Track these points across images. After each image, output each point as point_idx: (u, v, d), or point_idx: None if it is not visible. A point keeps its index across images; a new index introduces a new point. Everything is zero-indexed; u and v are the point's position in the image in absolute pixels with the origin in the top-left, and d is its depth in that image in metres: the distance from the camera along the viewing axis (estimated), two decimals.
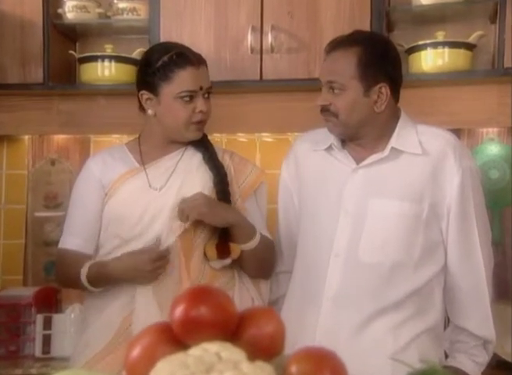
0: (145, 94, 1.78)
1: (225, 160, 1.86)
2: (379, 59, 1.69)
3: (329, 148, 1.79)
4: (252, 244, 1.76)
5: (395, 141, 1.70)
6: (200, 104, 1.75)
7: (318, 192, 1.79)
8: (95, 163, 1.86)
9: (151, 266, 1.68)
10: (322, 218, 1.76)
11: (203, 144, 1.85)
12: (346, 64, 1.67)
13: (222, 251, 1.78)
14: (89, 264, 1.74)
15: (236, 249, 1.77)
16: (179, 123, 1.76)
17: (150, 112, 1.78)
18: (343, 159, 1.75)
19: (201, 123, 1.78)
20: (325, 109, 1.71)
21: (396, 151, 1.70)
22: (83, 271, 1.73)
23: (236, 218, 1.77)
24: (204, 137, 1.86)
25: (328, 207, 1.74)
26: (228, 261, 1.79)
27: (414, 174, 1.68)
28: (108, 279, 1.73)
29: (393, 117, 1.74)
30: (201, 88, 1.74)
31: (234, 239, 1.77)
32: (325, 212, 1.75)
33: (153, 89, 1.76)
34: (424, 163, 1.68)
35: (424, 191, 1.67)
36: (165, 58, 1.74)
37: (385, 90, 1.67)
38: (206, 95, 1.77)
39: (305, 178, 1.84)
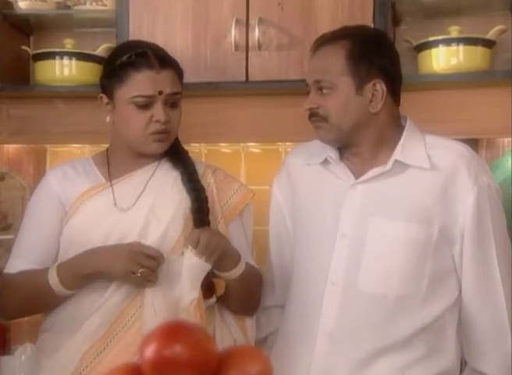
0: (104, 98, 1.83)
1: (207, 177, 1.88)
2: (372, 52, 1.73)
3: (325, 162, 1.81)
4: (236, 271, 1.78)
5: (399, 153, 1.72)
6: (158, 112, 1.77)
7: (312, 212, 1.81)
8: (54, 176, 1.88)
9: (134, 258, 1.66)
10: (318, 242, 1.78)
11: (181, 161, 1.88)
12: (335, 59, 1.71)
13: (206, 289, 1.79)
14: (55, 269, 1.73)
15: (221, 285, 1.79)
16: (133, 133, 1.79)
17: (108, 118, 1.82)
18: (340, 174, 1.78)
19: (162, 135, 1.80)
20: (313, 114, 1.74)
21: (400, 165, 1.72)
22: (52, 273, 1.72)
23: (226, 242, 1.78)
24: (184, 152, 1.89)
25: (324, 229, 1.77)
26: (213, 300, 1.82)
27: (421, 192, 1.70)
28: (85, 275, 1.72)
29: (394, 122, 1.77)
30: (160, 93, 1.77)
31: (216, 266, 1.77)
32: (321, 235, 1.77)
33: (108, 92, 1.81)
34: (433, 179, 1.70)
35: (433, 212, 1.69)
36: (124, 58, 1.79)
37: (380, 87, 1.71)
38: (170, 103, 1.79)
39: (299, 197, 1.87)
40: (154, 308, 1.71)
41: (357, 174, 1.76)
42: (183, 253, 1.74)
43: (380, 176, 1.73)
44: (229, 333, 1.86)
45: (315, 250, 1.78)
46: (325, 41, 1.75)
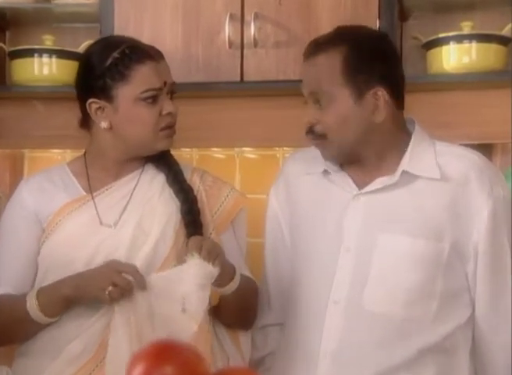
0: (95, 103, 1.79)
1: (195, 182, 1.90)
2: (371, 57, 1.73)
3: (326, 171, 1.82)
4: (232, 286, 1.78)
5: (407, 162, 1.73)
6: (166, 104, 1.79)
7: (313, 225, 1.82)
8: (29, 190, 1.87)
9: (107, 276, 1.65)
10: (319, 256, 1.79)
11: (165, 162, 1.89)
12: (329, 68, 1.71)
13: None
14: (34, 293, 1.73)
15: (215, 296, 1.80)
16: (145, 132, 1.79)
17: (103, 124, 1.79)
18: (342, 184, 1.79)
19: (171, 129, 1.82)
20: (310, 131, 1.75)
21: (408, 176, 1.73)
22: (31, 302, 1.71)
23: (223, 254, 1.78)
24: (166, 151, 1.89)
25: (326, 243, 1.78)
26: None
27: (430, 204, 1.71)
28: (64, 297, 1.72)
29: (399, 129, 1.78)
30: (165, 84, 1.79)
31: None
32: (323, 250, 1.79)
33: (105, 94, 1.78)
34: (443, 191, 1.71)
35: (443, 226, 1.70)
36: (116, 53, 1.78)
37: (381, 94, 1.71)
38: (170, 94, 1.82)
39: (299, 208, 1.88)
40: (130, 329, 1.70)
41: (360, 184, 1.77)
42: (185, 261, 1.68)
43: (386, 188, 1.74)
44: (222, 350, 1.86)
45: (316, 265, 1.80)
46: (318, 47, 1.75)
